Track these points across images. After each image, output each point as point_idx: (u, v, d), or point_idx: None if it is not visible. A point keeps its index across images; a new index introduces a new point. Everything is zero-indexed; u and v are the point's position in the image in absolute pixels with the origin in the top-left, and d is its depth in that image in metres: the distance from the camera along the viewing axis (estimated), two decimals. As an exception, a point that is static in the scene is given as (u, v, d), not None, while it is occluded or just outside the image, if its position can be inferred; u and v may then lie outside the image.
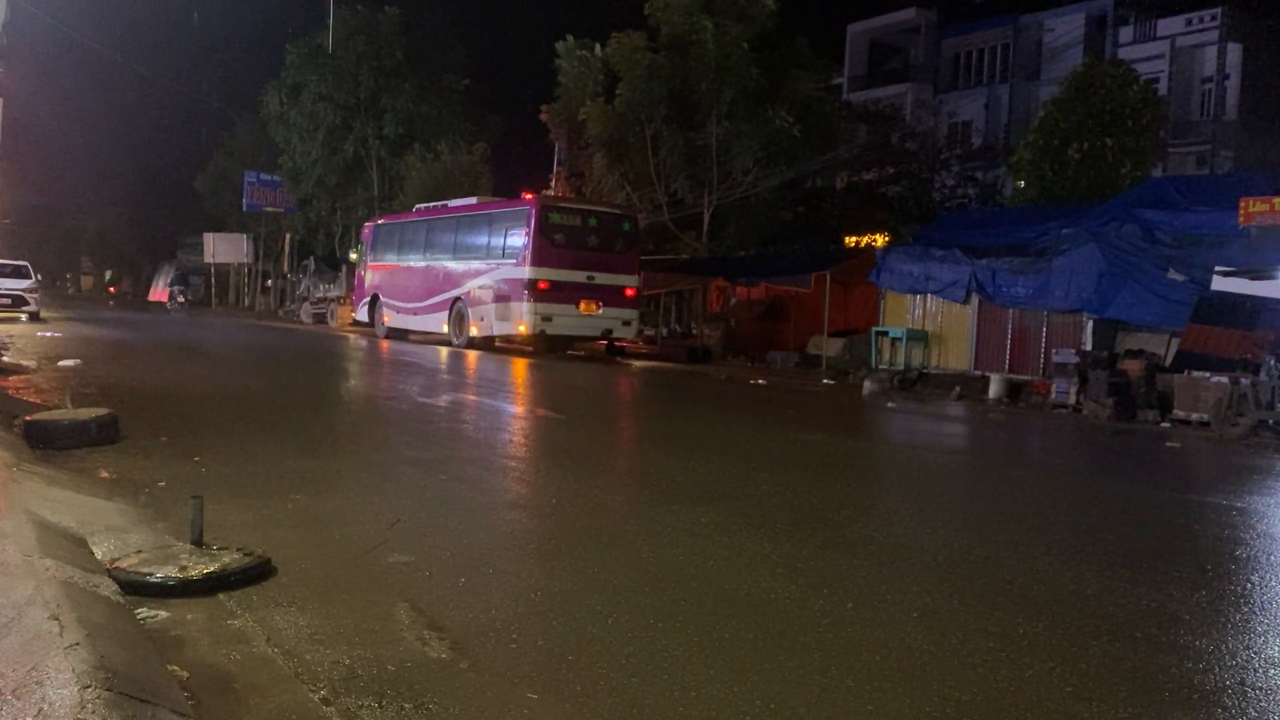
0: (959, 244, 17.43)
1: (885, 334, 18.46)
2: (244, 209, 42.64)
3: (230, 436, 7.70)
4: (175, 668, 3.01)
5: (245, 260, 46.41)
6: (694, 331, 25.20)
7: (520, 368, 17.15)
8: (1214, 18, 30.93)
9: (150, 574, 3.77)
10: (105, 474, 5.82)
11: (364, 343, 23.02)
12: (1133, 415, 13.05)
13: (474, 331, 20.88)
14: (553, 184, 31.27)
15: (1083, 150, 18.46)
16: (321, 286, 40.03)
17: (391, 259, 24.88)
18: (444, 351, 20.01)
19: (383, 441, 8.19)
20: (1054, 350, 15.13)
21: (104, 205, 60.15)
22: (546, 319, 19.22)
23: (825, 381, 17.61)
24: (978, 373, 16.83)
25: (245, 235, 45.13)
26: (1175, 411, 12.65)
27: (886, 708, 3.01)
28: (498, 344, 21.38)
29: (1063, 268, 15.36)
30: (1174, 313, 14.12)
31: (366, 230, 27.25)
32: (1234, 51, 30.93)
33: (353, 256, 35.29)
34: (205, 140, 48.53)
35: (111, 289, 66.52)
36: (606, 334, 20.25)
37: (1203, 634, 3.89)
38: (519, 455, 7.77)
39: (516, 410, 11.35)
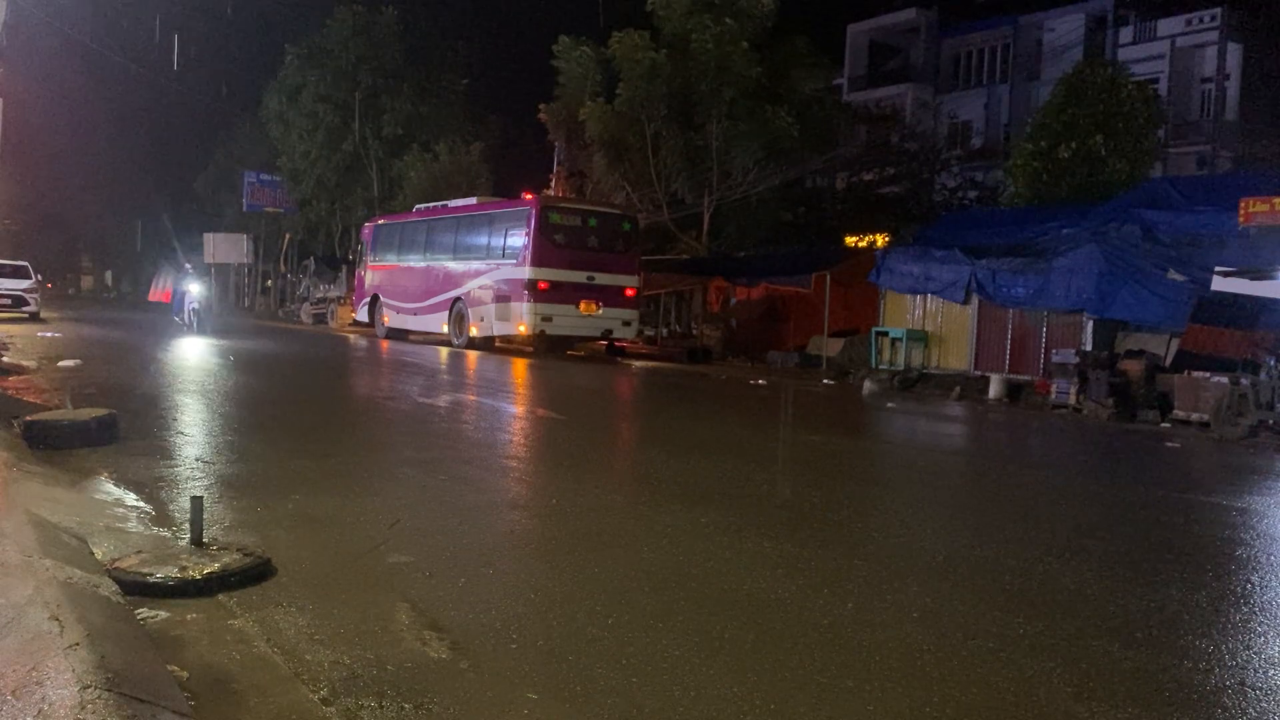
0: (959, 244, 17.43)
1: (885, 334, 18.46)
2: (244, 209, 42.65)
3: (230, 437, 7.71)
4: (175, 668, 3.01)
5: (245, 260, 46.42)
6: (694, 331, 25.19)
7: (520, 368, 17.14)
8: (1214, 18, 30.93)
9: (150, 574, 3.77)
10: (105, 474, 5.81)
11: (364, 343, 23.02)
12: (1133, 415, 13.05)
13: (474, 332, 20.87)
14: (553, 184, 31.29)
15: (1072, 149, 18.46)
16: (321, 286, 40.02)
17: (391, 259, 24.88)
18: (444, 352, 20.00)
19: (383, 442, 8.19)
20: (1054, 350, 15.12)
21: (104, 205, 60.19)
22: (546, 319, 19.22)
23: (825, 382, 17.61)
24: (978, 373, 16.83)
25: (245, 235, 45.16)
26: (1175, 412, 12.65)
27: (886, 708, 3.00)
28: (498, 344, 21.38)
29: (1063, 268, 15.35)
30: (1174, 313, 14.12)
31: (366, 231, 27.24)
32: (1234, 51, 30.94)
33: (352, 257, 35.30)
34: (205, 140, 48.59)
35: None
36: (606, 334, 20.24)
37: (1203, 634, 3.89)
38: (519, 455, 7.76)
39: (516, 410, 11.35)
